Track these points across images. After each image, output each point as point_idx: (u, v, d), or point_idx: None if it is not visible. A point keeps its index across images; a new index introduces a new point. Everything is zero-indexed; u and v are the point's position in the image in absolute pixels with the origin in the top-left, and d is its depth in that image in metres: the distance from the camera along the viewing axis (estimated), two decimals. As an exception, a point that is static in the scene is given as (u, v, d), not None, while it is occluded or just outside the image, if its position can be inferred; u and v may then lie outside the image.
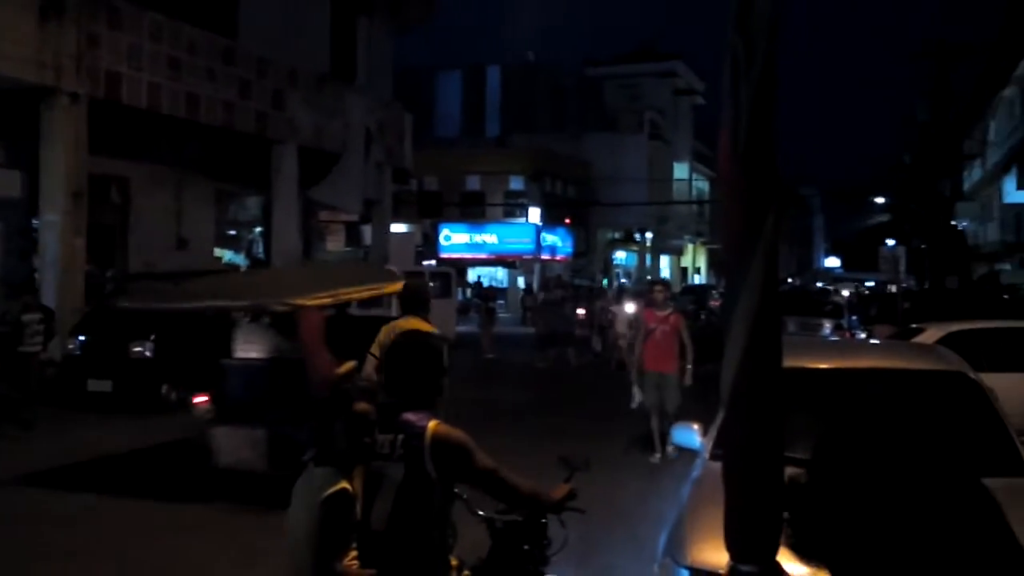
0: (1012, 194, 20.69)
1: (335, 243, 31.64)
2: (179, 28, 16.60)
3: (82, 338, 13.16)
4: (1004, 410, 4.80)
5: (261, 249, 23.01)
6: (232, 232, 23.52)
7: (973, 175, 38.40)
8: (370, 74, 23.45)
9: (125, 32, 15.45)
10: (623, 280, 48.67)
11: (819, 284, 47.30)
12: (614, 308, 19.38)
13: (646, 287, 17.40)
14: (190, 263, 17.34)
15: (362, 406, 3.00)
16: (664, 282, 12.27)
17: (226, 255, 22.76)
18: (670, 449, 9.31)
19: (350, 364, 3.62)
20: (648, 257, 53.38)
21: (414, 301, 6.36)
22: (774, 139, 1.80)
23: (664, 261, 57.20)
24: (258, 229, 23.54)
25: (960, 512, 1.09)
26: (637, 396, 10.29)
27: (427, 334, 3.38)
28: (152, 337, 12.86)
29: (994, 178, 31.37)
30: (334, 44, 21.82)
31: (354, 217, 26.61)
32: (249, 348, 8.33)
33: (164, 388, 12.70)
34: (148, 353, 12.80)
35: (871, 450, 4.16)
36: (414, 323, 5.94)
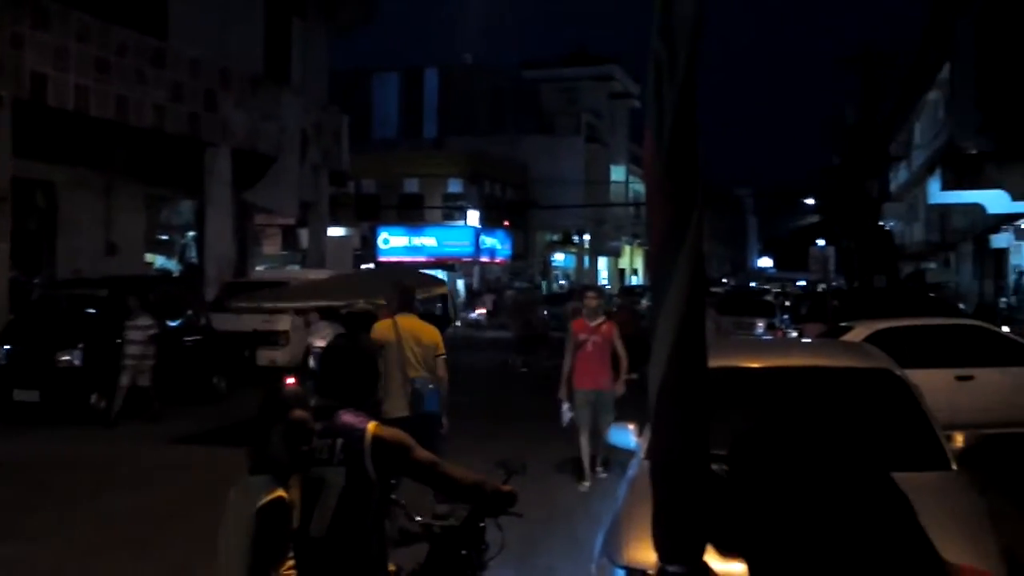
0: (936, 195, 21.36)
1: (271, 247, 31.18)
2: (107, 29, 16.20)
3: (7, 347, 12.75)
4: (929, 406, 4.94)
5: (194, 254, 22.57)
6: (164, 237, 23.01)
7: (899, 176, 39.54)
8: (305, 76, 23.18)
9: (51, 33, 15.02)
10: (562, 282, 48.92)
11: (752, 284, 48.27)
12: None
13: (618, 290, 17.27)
14: (120, 269, 16.94)
15: (299, 413, 2.97)
16: (597, 288, 11.21)
17: (158, 260, 22.28)
18: (599, 470, 8.96)
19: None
20: (586, 259, 53.77)
21: (406, 301, 7.30)
22: (697, 141, 1.84)
23: (602, 263, 57.70)
24: (191, 234, 23.07)
25: (871, 509, 1.12)
26: (567, 414, 9.03)
27: (359, 338, 3.37)
28: (80, 346, 12.52)
29: (919, 179, 32.36)
30: (268, 45, 21.52)
31: (291, 220, 26.26)
32: (325, 338, 10.05)
33: (93, 397, 12.37)
34: (77, 362, 12.45)
35: (795, 447, 4.26)
36: (409, 320, 7.09)
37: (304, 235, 26.47)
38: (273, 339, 15.98)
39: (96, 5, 15.96)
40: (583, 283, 32.80)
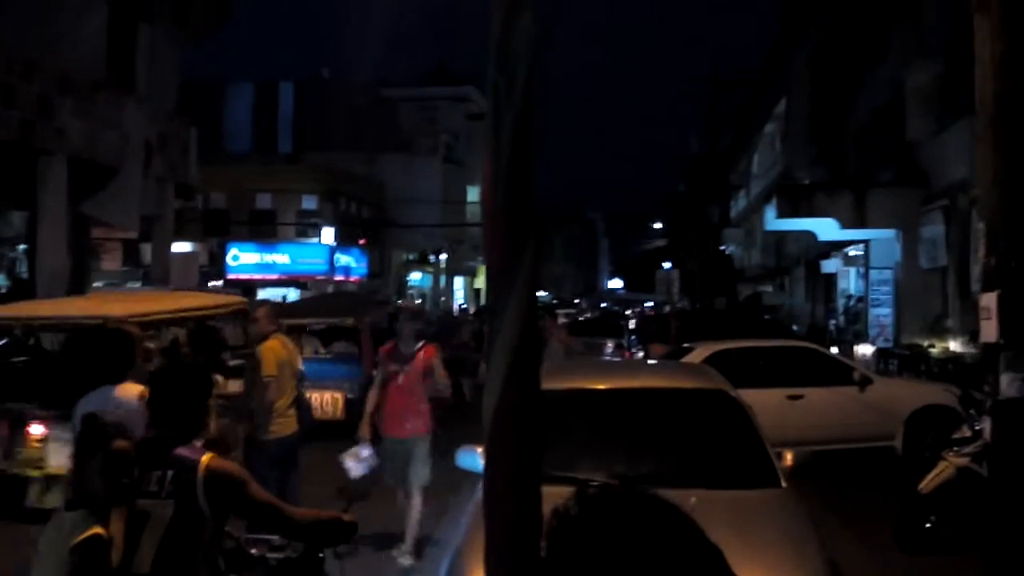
0: (772, 222, 22.52)
1: (111, 262, 29.73)
2: (-73, 25, 15.05)
3: None
4: (761, 425, 5.17)
5: (25, 268, 21.20)
6: (-10, 250, 21.53)
7: (739, 204, 41.63)
8: (151, 83, 22.22)
9: None
10: (418, 300, 48.66)
11: (603, 304, 49.59)
12: None
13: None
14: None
15: (120, 444, 2.81)
16: (412, 308, 9.07)
17: (-17, 274, 20.80)
18: (404, 552, 6.74)
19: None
20: (442, 278, 53.79)
21: (277, 322, 7.42)
22: (533, 171, 1.86)
23: (458, 283, 57.86)
24: (21, 247, 21.67)
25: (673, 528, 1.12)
26: (361, 465, 6.44)
27: (187, 362, 3.24)
28: None
29: (757, 207, 34.12)
30: (111, 50, 20.51)
31: (132, 235, 25.08)
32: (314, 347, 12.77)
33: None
34: None
35: (626, 468, 4.38)
36: (284, 340, 7.21)
37: (147, 250, 25.33)
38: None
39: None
40: (403, 303, 31.46)
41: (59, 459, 3.73)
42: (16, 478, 6.81)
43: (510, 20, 1.80)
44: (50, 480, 6.42)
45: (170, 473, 2.77)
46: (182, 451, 2.83)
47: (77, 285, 19.81)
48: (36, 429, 6.77)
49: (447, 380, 7.26)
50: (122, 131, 20.30)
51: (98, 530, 2.66)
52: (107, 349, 4.51)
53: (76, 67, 18.82)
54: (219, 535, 2.92)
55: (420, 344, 7.23)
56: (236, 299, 10.21)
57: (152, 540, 2.72)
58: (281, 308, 15.67)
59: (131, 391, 4.24)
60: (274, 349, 6.87)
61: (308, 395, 12.20)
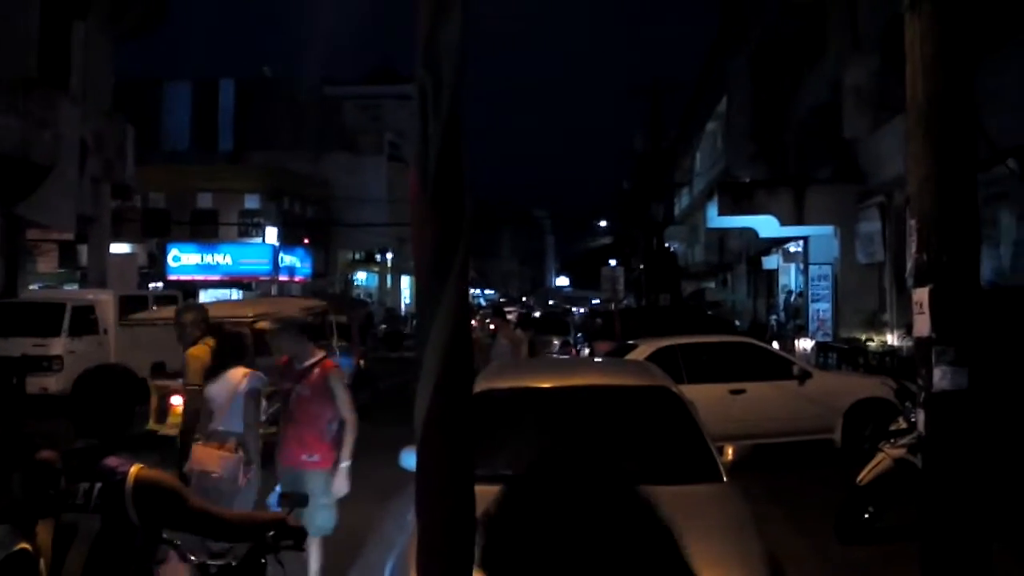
0: (714, 219, 22.78)
1: (48, 264, 28.98)
2: None
3: None
4: (703, 421, 5.23)
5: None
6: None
7: (682, 201, 42.09)
8: (87, 82, 21.70)
9: None
10: (368, 300, 48.29)
11: (550, 302, 49.81)
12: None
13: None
14: None
15: (46, 454, 2.72)
16: (290, 318, 6.57)
17: (-91, 278, 20.08)
18: None
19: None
20: (389, 278, 53.47)
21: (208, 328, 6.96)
22: (464, 172, 1.83)
23: (405, 282, 57.56)
24: (-50, 249, 20.99)
25: (627, 525, 1.13)
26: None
27: (117, 365, 3.15)
28: None
29: (699, 204, 34.53)
30: (44, 47, 19.98)
31: (69, 236, 24.47)
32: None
33: None
34: None
35: (570, 465, 4.39)
36: (210, 344, 6.54)
37: (84, 251, 24.74)
38: (45, 364, 14.81)
39: None
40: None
41: None
42: (167, 437, 8.43)
43: (438, 15, 1.77)
44: None
45: (97, 486, 2.68)
46: (111, 461, 2.74)
47: (11, 287, 19.27)
48: (176, 400, 8.70)
49: (350, 403, 5.76)
50: (56, 130, 19.78)
51: (25, 546, 2.57)
52: (223, 345, 5.98)
53: (8, 65, 18.30)
54: (153, 544, 2.85)
55: (316, 359, 5.80)
56: (320, 302, 14.71)
57: (79, 554, 2.64)
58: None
59: (237, 374, 5.71)
60: (200, 356, 6.44)
61: None
